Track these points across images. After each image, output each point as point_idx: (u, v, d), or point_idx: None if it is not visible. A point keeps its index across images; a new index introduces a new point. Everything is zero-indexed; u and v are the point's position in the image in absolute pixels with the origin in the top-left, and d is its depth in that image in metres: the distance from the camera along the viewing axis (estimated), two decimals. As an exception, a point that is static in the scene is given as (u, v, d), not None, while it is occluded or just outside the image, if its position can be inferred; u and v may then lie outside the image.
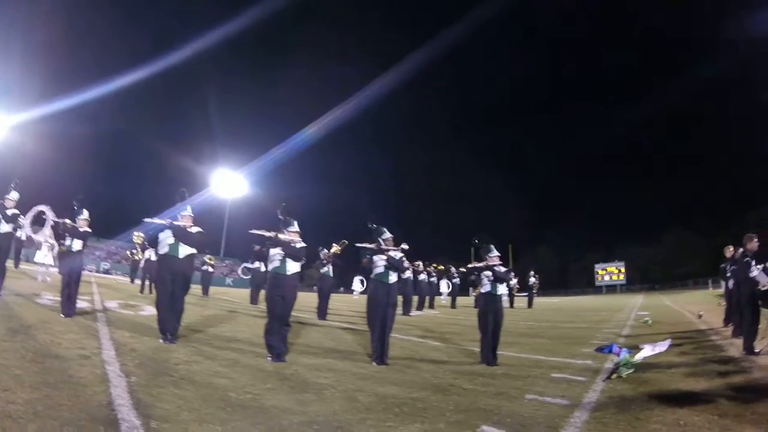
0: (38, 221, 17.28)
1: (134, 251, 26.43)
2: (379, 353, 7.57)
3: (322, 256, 14.75)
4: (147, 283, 20.18)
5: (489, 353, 8.04)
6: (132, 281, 26.72)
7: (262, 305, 18.09)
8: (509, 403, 5.43)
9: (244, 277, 34.83)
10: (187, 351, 7.24)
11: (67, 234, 9.95)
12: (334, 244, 13.18)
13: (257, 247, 12.65)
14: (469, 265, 9.03)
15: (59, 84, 52.20)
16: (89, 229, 10.06)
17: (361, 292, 33.79)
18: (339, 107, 65.16)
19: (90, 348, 6.58)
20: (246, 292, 22.84)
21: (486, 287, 8.31)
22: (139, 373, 5.45)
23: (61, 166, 55.50)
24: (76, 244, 9.83)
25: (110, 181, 69.03)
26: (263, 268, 19.83)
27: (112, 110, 61.93)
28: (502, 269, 8.40)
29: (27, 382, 4.53)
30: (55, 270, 19.57)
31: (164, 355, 6.77)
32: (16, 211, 10.81)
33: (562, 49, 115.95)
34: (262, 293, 19.86)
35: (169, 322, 7.83)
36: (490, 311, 8.21)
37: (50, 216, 13.49)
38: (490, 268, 8.32)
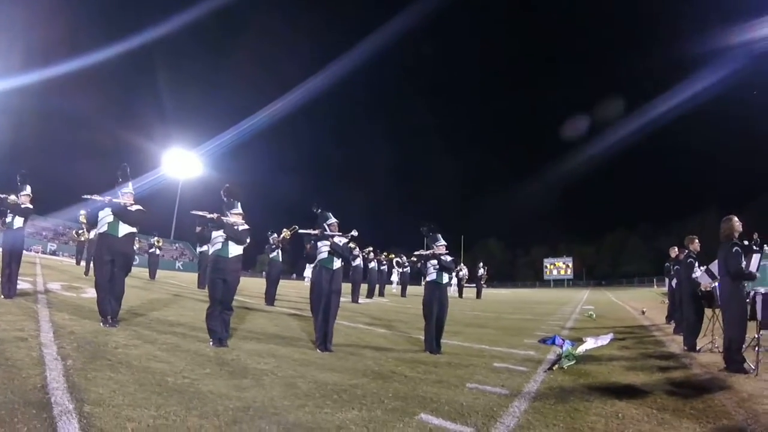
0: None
1: (80, 231, 25.84)
2: (323, 340, 7.62)
3: (271, 240, 14.73)
4: (92, 264, 19.87)
5: (432, 341, 8.17)
6: (78, 263, 26.22)
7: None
8: (449, 392, 5.53)
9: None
10: (126, 334, 7.17)
11: (8, 210, 9.61)
12: (284, 230, 13.19)
13: (198, 229, 12.60)
14: (416, 253, 9.13)
15: (10, 60, 50.64)
16: (31, 206, 9.77)
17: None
18: (297, 89, 64.42)
19: (28, 330, 6.51)
20: (195, 276, 22.66)
21: (431, 276, 8.43)
22: (75, 356, 5.40)
23: (7, 142, 53.95)
24: (17, 221, 9.55)
25: (58, 159, 66.86)
26: (210, 251, 19.83)
27: (62, 89, 60.07)
28: (448, 258, 8.52)
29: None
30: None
31: (103, 338, 6.70)
32: None
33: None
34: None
35: (108, 304, 7.68)
36: (434, 299, 8.33)
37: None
38: (436, 256, 8.44)
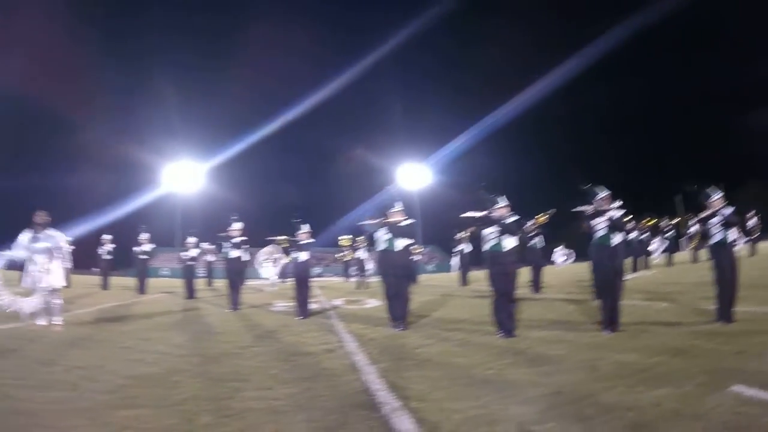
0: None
1: (344, 252, 28.06)
2: (610, 320, 7.32)
3: (525, 228, 14.56)
4: (361, 279, 21.56)
5: (724, 309, 7.50)
6: (346, 279, 28.28)
7: (472, 286, 18.31)
8: (755, 362, 5.03)
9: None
10: (419, 335, 7.52)
11: (292, 248, 10.88)
12: (540, 215, 12.98)
13: (466, 232, 12.88)
14: (702, 214, 8.34)
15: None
16: (312, 240, 10.89)
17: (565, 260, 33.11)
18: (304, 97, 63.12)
19: (332, 343, 7.06)
20: (449, 276, 23.21)
21: (715, 237, 7.73)
22: (383, 359, 5.73)
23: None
24: (302, 255, 10.67)
25: (314, 192, 72.65)
26: (466, 250, 20.25)
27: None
28: (727, 212, 7.73)
29: (284, 379, 4.95)
30: (278, 281, 21.44)
31: (400, 341, 7.10)
32: (244, 238, 12.87)
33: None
34: (470, 275, 20.20)
35: (397, 311, 8.32)
36: (723, 261, 7.63)
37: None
38: (716, 214, 7.72)
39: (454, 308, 11.48)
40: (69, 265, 9.40)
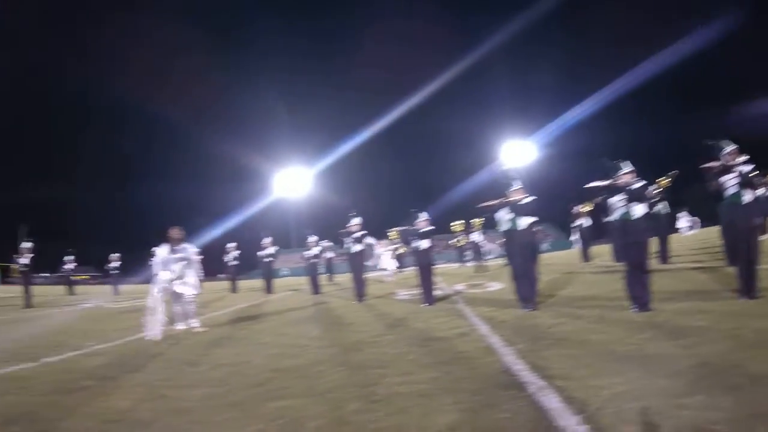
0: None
1: (457, 238, 28.10)
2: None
3: (648, 194, 13.98)
4: (479, 263, 21.56)
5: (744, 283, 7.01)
6: (462, 265, 28.26)
7: (595, 262, 17.86)
8: None
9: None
10: (550, 315, 7.43)
11: (412, 237, 10.96)
12: (662, 178, 12.47)
13: (586, 205, 12.54)
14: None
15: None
16: (432, 227, 10.92)
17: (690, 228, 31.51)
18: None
19: (463, 327, 7.08)
20: (569, 254, 22.71)
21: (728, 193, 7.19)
22: (519, 341, 5.68)
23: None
24: (423, 243, 10.71)
25: (419, 181, 72.79)
26: (585, 225, 19.76)
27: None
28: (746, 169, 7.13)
29: (424, 364, 5.01)
30: (396, 271, 21.74)
31: (532, 321, 7.03)
32: (364, 232, 13.29)
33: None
34: (591, 250, 19.69)
35: (526, 291, 8.21)
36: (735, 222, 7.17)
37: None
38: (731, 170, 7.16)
39: (581, 285, 11.26)
40: (202, 274, 9.96)
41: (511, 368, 4.51)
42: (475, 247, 23.72)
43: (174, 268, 8.62)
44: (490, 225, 8.89)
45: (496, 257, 28.11)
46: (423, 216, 10.77)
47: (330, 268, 24.67)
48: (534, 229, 8.34)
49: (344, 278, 21.82)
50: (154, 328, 8.04)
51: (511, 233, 8.47)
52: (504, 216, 8.57)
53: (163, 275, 8.55)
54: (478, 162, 57.63)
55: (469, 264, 26.74)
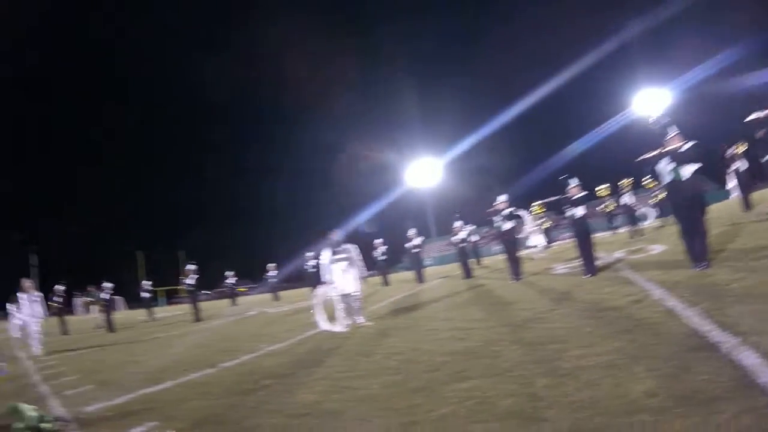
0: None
1: (605, 203, 26.84)
2: None
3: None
4: (633, 228, 20.72)
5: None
6: (613, 232, 27.14)
7: (758, 209, 16.57)
8: None
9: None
10: (726, 271, 6.96)
11: (565, 206, 10.65)
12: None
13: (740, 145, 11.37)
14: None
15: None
16: (585, 192, 10.55)
17: None
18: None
19: (636, 294, 6.79)
20: (726, 204, 21.28)
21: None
22: (700, 301, 5.39)
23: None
24: (578, 211, 10.37)
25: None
26: (742, 168, 18.11)
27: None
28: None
29: (603, 335, 4.86)
30: (546, 246, 21.28)
31: (708, 279, 6.65)
32: (511, 209, 13.06)
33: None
34: (753, 196, 18.16)
35: (696, 248, 7.69)
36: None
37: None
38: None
39: (749, 237, 10.42)
40: (365, 272, 10.26)
41: (698, 330, 4.30)
42: (628, 211, 22.41)
43: (337, 268, 8.96)
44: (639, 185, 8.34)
45: (651, 221, 26.49)
46: (573, 182, 10.43)
47: (477, 252, 24.55)
48: (700, 178, 7.77)
49: (492, 261, 21.63)
50: (331, 322, 8.55)
51: (675, 185, 7.83)
52: (665, 167, 7.93)
53: (328, 276, 8.96)
54: (608, 113, 54.72)
55: (621, 230, 25.62)
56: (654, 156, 8.06)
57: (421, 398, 3.88)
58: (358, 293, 9.11)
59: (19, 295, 13.44)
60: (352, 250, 9.19)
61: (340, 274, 8.96)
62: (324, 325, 8.71)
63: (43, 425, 4.38)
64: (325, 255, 9.11)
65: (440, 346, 5.82)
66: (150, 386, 6.10)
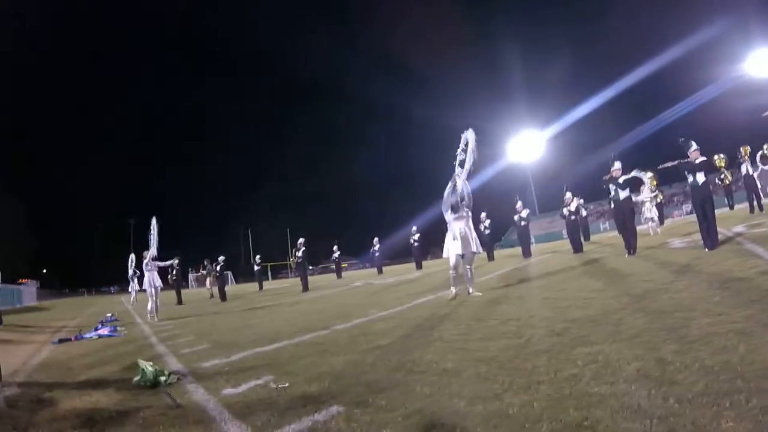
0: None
1: (722, 176, 24.90)
2: None
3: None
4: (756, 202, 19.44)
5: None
6: (731, 209, 25.60)
7: None
8: None
9: None
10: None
11: (686, 170, 10.16)
12: None
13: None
14: None
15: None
16: (704, 158, 10.07)
17: None
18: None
19: (762, 265, 6.60)
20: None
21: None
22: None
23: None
24: (699, 177, 9.94)
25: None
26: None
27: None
28: None
29: (732, 304, 4.73)
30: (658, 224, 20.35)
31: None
32: (628, 176, 12.37)
33: None
34: None
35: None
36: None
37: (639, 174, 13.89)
38: None
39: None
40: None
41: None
42: (749, 182, 20.48)
43: (457, 227, 8.95)
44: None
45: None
46: (693, 146, 9.98)
47: (586, 228, 23.82)
48: None
49: (600, 238, 21.01)
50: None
51: None
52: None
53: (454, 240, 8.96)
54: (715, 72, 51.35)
55: (741, 206, 23.98)
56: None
57: (544, 360, 3.90)
58: (479, 252, 9.08)
59: (138, 267, 14.30)
60: (469, 212, 9.12)
61: (460, 233, 8.89)
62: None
63: (161, 378, 4.75)
64: (447, 214, 9.11)
65: (559, 313, 5.81)
66: (265, 345, 6.41)
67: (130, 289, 25.36)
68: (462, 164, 8.96)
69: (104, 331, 10.21)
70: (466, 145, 8.96)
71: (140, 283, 16.07)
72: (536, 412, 2.81)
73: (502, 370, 3.79)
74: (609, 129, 63.67)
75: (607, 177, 12.60)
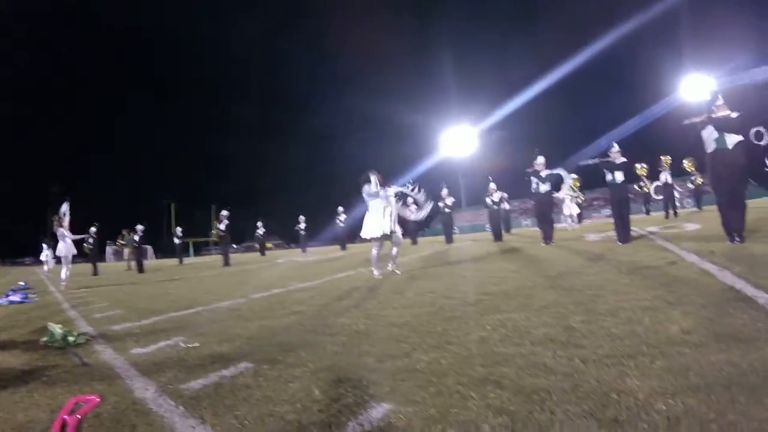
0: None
1: (642, 183, 25.97)
2: None
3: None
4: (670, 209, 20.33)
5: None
6: (647, 214, 26.72)
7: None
8: None
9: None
10: (762, 245, 7.00)
11: (606, 169, 10.51)
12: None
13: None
14: None
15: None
16: (625, 159, 10.42)
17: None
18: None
19: (671, 258, 6.87)
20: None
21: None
22: (734, 265, 5.46)
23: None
24: (618, 176, 10.30)
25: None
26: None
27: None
28: None
29: (641, 286, 4.93)
30: (574, 219, 21.01)
31: (744, 251, 6.67)
32: (549, 172, 12.81)
33: None
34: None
35: (733, 223, 7.62)
36: None
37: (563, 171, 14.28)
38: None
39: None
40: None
41: (734, 286, 4.37)
42: (665, 191, 21.91)
43: (377, 206, 8.79)
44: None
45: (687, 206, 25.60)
46: (615, 147, 10.36)
47: (507, 221, 24.39)
48: (743, 150, 7.62)
49: (521, 231, 21.51)
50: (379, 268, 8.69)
51: (719, 154, 7.68)
52: (710, 135, 7.79)
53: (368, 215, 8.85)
54: (652, 99, 53.58)
55: (654, 214, 25.08)
56: (700, 121, 7.90)
57: (456, 324, 4.00)
58: (399, 235, 8.95)
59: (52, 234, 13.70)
60: (392, 194, 9.05)
61: (381, 214, 8.74)
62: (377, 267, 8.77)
63: (69, 338, 4.66)
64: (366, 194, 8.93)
65: (475, 288, 5.96)
66: (180, 311, 6.34)
67: (42, 257, 24.48)
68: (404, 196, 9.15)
69: (15, 297, 9.79)
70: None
71: (54, 249, 15.48)
72: (444, 367, 2.88)
73: (413, 333, 3.86)
74: (541, 126, 65.49)
75: (530, 170, 12.99)
